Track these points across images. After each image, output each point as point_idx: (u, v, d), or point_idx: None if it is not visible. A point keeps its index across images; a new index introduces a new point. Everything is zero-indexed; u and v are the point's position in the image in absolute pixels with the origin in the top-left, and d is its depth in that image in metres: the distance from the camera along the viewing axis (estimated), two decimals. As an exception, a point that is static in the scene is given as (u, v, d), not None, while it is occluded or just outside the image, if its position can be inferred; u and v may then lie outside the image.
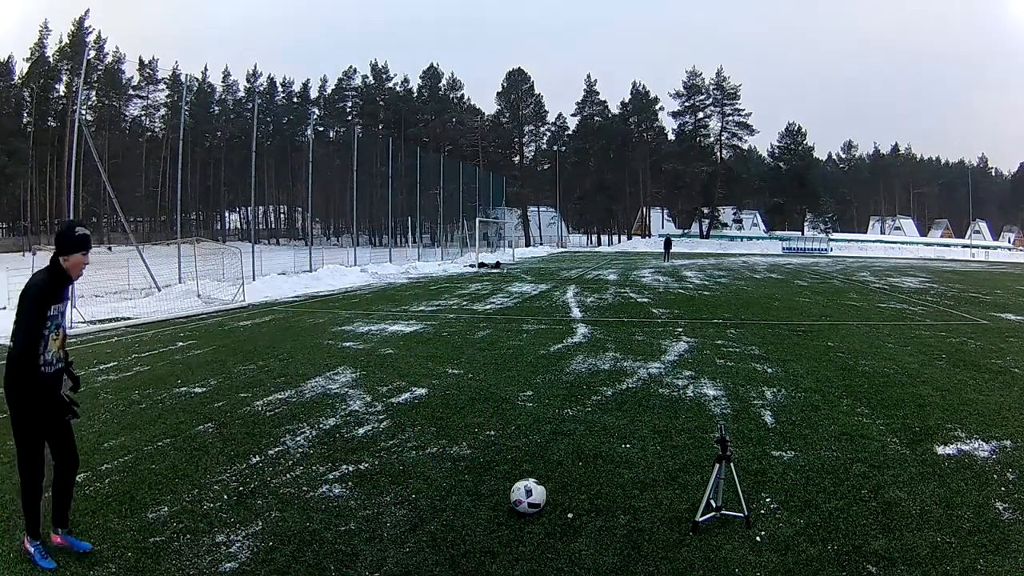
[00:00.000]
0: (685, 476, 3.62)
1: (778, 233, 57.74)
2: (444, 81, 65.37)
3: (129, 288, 13.88)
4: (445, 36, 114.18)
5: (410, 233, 46.44)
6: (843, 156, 72.22)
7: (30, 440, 2.70)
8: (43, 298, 2.67)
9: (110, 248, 38.09)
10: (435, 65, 65.29)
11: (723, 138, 58.91)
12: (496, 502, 3.29)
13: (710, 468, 3.17)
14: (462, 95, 65.89)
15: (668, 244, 34.25)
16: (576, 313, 10.99)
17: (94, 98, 49.31)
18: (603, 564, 2.71)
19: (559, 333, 8.71)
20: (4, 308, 11.07)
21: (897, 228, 64.17)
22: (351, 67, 64.36)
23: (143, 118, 54.58)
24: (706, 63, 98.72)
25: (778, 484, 3.51)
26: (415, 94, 65.00)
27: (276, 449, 4.10)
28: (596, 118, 63.34)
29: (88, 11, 51.56)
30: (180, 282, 14.12)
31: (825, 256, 44.64)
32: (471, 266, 25.31)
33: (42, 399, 2.67)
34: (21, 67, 47.67)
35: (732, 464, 3.05)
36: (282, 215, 65.01)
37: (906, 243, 54.96)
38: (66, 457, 2.81)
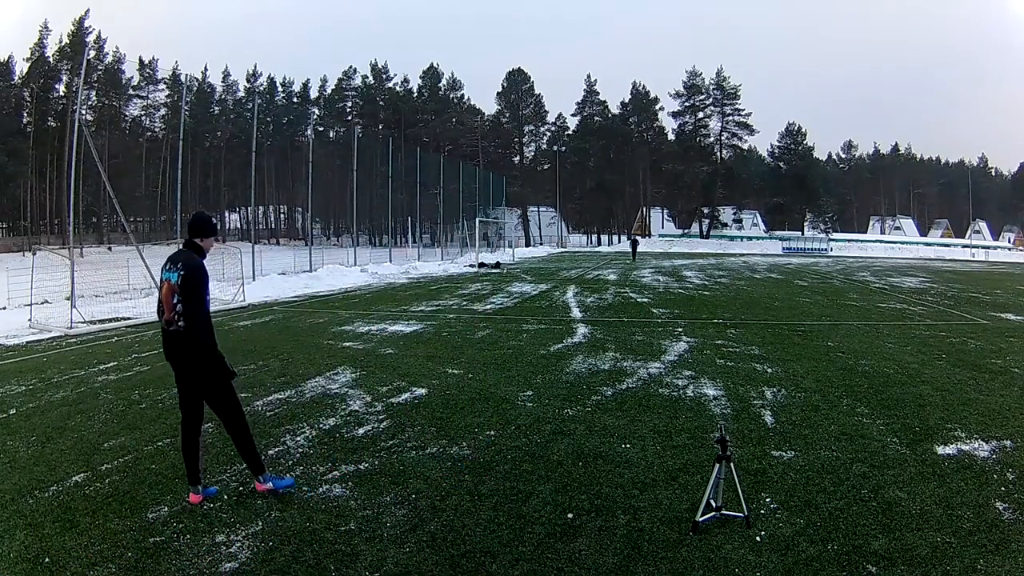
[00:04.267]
0: (685, 476, 3.61)
1: (778, 233, 57.66)
2: (444, 81, 65.35)
3: (129, 288, 13.89)
4: (445, 36, 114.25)
5: (410, 233, 46.43)
6: (843, 156, 72.30)
7: (232, 392, 3.18)
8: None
9: (110, 248, 38.09)
10: (435, 65, 65.31)
11: (723, 138, 58.97)
12: (496, 502, 3.29)
13: (710, 468, 3.17)
14: (462, 95, 65.91)
15: (635, 244, 36.33)
16: (576, 313, 10.99)
17: (94, 98, 49.28)
18: (603, 564, 2.71)
19: (559, 333, 8.71)
20: (4, 308, 11.07)
21: (897, 228, 64.15)
22: (351, 67, 64.38)
23: (143, 118, 54.55)
24: (706, 63, 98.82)
25: (778, 484, 3.51)
26: (415, 94, 64.95)
27: (276, 449, 4.10)
28: (596, 118, 63.30)
29: (88, 11, 51.72)
30: (180, 282, 14.09)
31: (825, 256, 44.61)
32: (471, 266, 25.30)
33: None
34: (21, 67, 47.69)
35: (732, 464, 3.05)
36: (282, 215, 64.98)
37: (906, 243, 54.91)
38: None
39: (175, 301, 3.13)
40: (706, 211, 59.52)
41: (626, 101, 63.27)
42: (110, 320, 10.24)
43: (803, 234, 57.58)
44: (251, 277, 15.29)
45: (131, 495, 3.38)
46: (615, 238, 63.06)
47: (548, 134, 64.72)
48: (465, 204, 35.86)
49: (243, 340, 8.31)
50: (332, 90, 64.31)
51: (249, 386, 5.71)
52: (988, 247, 51.20)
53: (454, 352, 7.34)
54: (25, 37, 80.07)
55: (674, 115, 60.85)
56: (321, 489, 3.47)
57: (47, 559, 2.73)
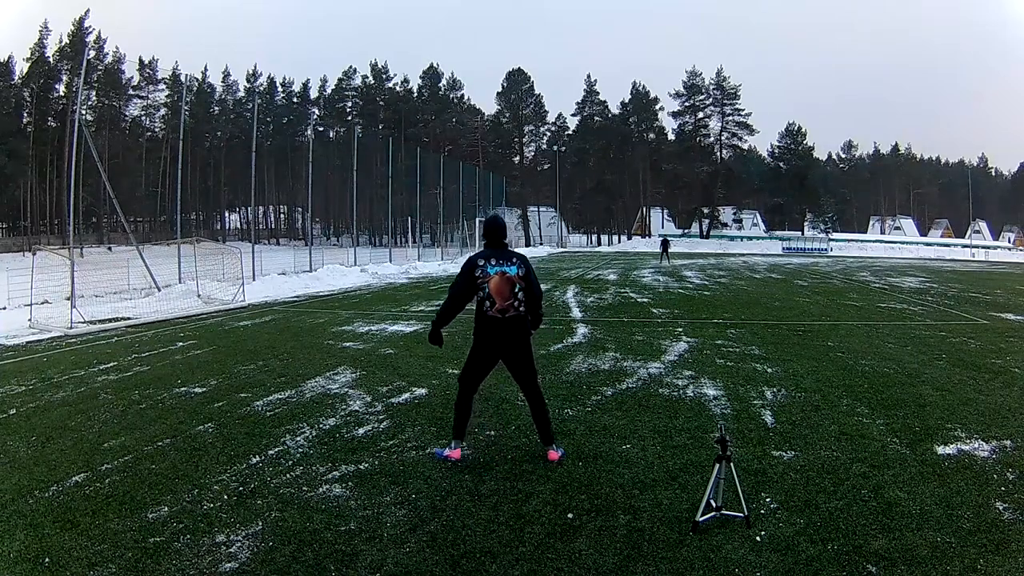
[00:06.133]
0: (685, 476, 3.61)
1: (778, 233, 57.70)
2: (444, 81, 65.41)
3: (129, 288, 13.89)
4: (445, 36, 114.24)
5: (410, 233, 46.45)
6: (843, 156, 72.31)
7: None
8: None
9: (110, 248, 38.09)
10: (435, 65, 65.38)
11: (723, 138, 59.02)
12: (496, 502, 3.29)
13: (710, 468, 3.17)
14: (462, 95, 65.97)
15: (665, 245, 31.97)
16: (576, 313, 10.99)
17: (94, 98, 49.36)
18: (603, 564, 2.70)
19: (559, 333, 8.70)
20: (4, 308, 11.07)
21: (897, 228, 64.20)
22: (351, 67, 64.47)
23: (143, 118, 54.68)
24: (706, 63, 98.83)
25: (778, 484, 3.51)
26: (415, 94, 65.00)
27: (276, 449, 4.10)
28: (596, 118, 63.33)
29: (88, 11, 51.80)
30: (180, 282, 14.12)
31: (825, 256, 44.59)
32: (471, 266, 25.24)
33: None
34: (21, 67, 47.79)
35: (732, 464, 3.05)
36: (282, 215, 65.03)
37: (906, 243, 54.91)
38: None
39: (517, 290, 3.55)
40: (706, 211, 59.55)
41: (626, 101, 63.32)
42: (110, 320, 10.23)
43: (803, 234, 57.59)
44: (251, 277, 15.28)
45: (131, 495, 3.37)
46: (615, 238, 63.06)
47: (548, 134, 64.78)
48: (465, 204, 35.90)
49: (243, 340, 8.31)
50: (332, 90, 64.37)
51: (249, 386, 5.71)
52: (988, 247, 51.18)
53: (454, 352, 7.30)
54: (25, 37, 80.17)
55: (674, 115, 60.99)
56: (321, 489, 3.46)
57: (47, 559, 2.73)
